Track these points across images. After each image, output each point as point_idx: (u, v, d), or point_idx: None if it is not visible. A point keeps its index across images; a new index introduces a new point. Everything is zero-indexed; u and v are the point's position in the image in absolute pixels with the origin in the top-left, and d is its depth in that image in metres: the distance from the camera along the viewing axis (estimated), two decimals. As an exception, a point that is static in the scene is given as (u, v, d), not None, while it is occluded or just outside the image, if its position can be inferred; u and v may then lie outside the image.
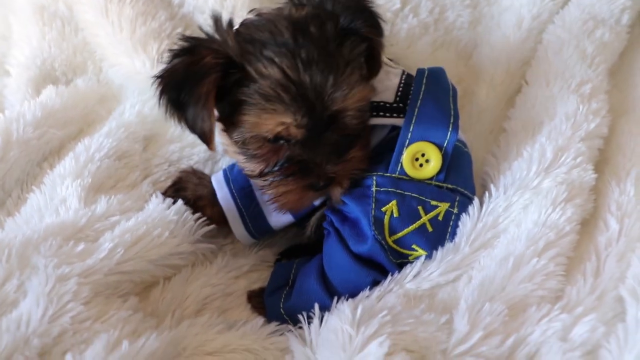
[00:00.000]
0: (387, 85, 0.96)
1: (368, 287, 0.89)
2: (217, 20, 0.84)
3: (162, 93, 0.85)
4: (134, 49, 1.12)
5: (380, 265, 0.91)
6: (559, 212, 0.90)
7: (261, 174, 0.89)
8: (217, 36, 0.84)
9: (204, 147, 1.08)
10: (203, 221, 0.97)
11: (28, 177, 1.05)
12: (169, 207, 0.93)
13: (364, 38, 0.88)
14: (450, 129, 0.93)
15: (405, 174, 0.92)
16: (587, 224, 0.95)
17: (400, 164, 0.92)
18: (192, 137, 1.12)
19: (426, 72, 0.97)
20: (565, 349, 0.75)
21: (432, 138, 0.92)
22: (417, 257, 0.91)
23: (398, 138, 0.93)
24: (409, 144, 0.92)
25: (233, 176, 0.99)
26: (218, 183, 0.98)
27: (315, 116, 0.83)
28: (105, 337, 0.75)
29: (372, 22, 0.90)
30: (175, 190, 1.01)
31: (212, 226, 0.98)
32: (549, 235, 0.88)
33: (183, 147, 1.13)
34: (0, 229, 0.96)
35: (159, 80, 0.85)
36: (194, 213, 0.98)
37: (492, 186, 0.98)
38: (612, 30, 1.20)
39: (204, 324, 0.85)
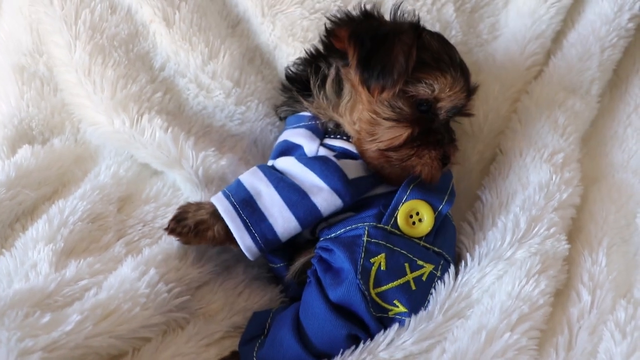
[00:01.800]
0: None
1: (343, 342, 0.90)
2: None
3: (357, 44, 0.98)
4: (114, 109, 1.13)
5: (358, 318, 0.92)
6: (532, 284, 0.92)
7: (405, 142, 0.98)
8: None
9: (178, 205, 1.11)
10: (177, 291, 0.96)
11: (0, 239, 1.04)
12: (140, 278, 0.92)
13: None
14: (446, 197, 1.02)
15: (398, 229, 0.97)
16: (560, 295, 0.97)
17: (394, 219, 0.97)
18: (166, 198, 1.15)
19: None
20: None
21: (428, 199, 1.00)
22: (398, 314, 0.92)
23: (395, 195, 0.99)
24: (406, 200, 0.98)
25: (232, 191, 1.00)
26: (218, 199, 0.99)
27: (467, 93, 1.04)
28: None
29: None
30: (177, 221, 1.00)
31: (186, 297, 0.97)
32: (523, 308, 0.89)
33: (158, 207, 1.13)
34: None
35: (353, 30, 1.00)
36: (194, 241, 1.00)
37: (467, 255, 0.99)
38: (583, 100, 1.25)
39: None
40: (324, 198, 0.97)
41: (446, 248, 1.00)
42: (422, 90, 0.99)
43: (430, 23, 1.30)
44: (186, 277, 0.99)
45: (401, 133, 0.99)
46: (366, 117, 1.00)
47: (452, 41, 1.30)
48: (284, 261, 1.05)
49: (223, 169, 1.15)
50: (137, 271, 0.93)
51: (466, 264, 0.98)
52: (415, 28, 1.01)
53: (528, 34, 1.30)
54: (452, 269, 0.97)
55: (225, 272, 1.06)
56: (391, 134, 0.99)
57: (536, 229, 0.99)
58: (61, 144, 1.22)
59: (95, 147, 1.24)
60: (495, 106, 1.28)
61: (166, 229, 1.00)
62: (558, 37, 1.33)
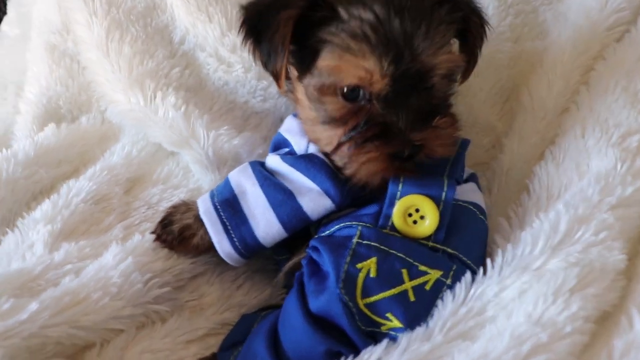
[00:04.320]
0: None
1: (321, 357, 0.74)
2: None
3: (243, 22, 0.83)
4: (130, 87, 1.06)
5: (341, 332, 0.75)
6: (560, 306, 0.68)
7: (339, 145, 0.80)
8: None
9: (188, 188, 1.02)
10: (156, 282, 0.86)
11: (15, 216, 1.01)
12: (116, 266, 0.83)
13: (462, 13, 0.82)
14: (446, 181, 0.80)
15: (397, 231, 0.78)
16: (608, 319, 0.73)
17: (390, 219, 0.79)
18: (176, 180, 1.06)
19: None
20: None
21: (426, 190, 0.79)
22: (392, 329, 0.74)
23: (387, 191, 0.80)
24: (400, 197, 0.79)
25: (218, 190, 0.90)
26: (202, 200, 0.90)
27: (402, 65, 0.74)
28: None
29: (470, 4, 0.86)
30: (163, 226, 0.93)
31: (167, 288, 0.88)
32: (540, 336, 0.66)
33: (165, 189, 1.05)
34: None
35: (244, 9, 0.83)
36: (179, 249, 0.91)
37: (489, 262, 0.78)
38: (677, 69, 0.94)
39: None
40: (311, 199, 0.83)
41: (464, 248, 0.79)
42: (330, 80, 0.77)
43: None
44: (175, 267, 0.90)
45: (332, 134, 0.80)
46: (304, 123, 0.85)
47: (509, 0, 1.06)
48: (287, 254, 0.92)
49: (236, 148, 1.04)
50: (116, 258, 0.85)
51: (485, 272, 0.77)
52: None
53: (613, -17, 1.01)
54: (467, 276, 0.77)
55: (226, 262, 0.94)
56: (325, 136, 0.82)
57: (579, 233, 0.74)
58: (88, 122, 1.18)
59: (119, 126, 1.19)
60: (564, 75, 1.01)
61: (152, 233, 0.92)
62: (654, -11, 1.02)
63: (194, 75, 1.11)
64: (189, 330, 0.87)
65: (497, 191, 1.00)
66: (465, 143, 0.86)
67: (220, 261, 0.94)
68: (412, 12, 0.75)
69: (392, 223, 0.79)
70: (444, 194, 0.79)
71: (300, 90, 0.84)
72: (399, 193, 0.79)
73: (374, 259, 0.76)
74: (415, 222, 0.78)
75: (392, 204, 0.79)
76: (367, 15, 0.74)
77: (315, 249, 0.81)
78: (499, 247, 0.80)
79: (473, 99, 1.08)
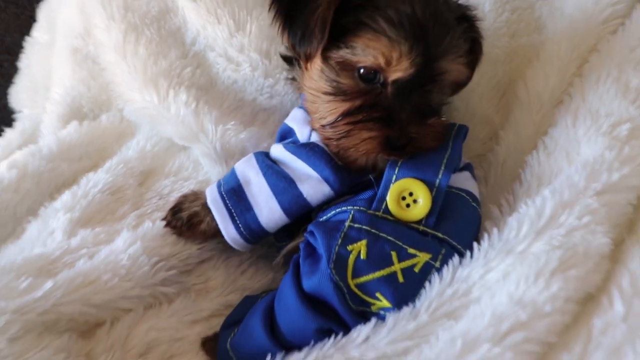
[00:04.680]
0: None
1: (313, 336, 0.77)
2: None
3: (274, 1, 0.85)
4: (145, 86, 1.11)
5: (333, 311, 0.78)
6: (540, 286, 0.70)
7: (342, 115, 0.82)
8: None
9: (198, 180, 1.07)
10: (162, 265, 0.91)
11: (39, 207, 1.07)
12: (125, 250, 0.88)
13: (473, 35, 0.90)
14: (442, 168, 0.82)
15: (390, 214, 0.81)
16: (591, 300, 0.73)
17: (384, 202, 0.81)
18: (187, 172, 1.10)
19: None
20: None
21: (420, 175, 0.82)
22: (381, 308, 0.77)
23: (383, 177, 0.83)
24: (395, 180, 0.82)
25: (225, 180, 0.94)
26: (210, 190, 0.94)
27: (426, 59, 0.79)
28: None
29: (478, 28, 0.92)
30: (173, 213, 0.97)
31: (173, 271, 0.92)
32: (520, 315, 0.68)
33: (176, 181, 1.09)
34: (-3, 256, 0.98)
35: None
36: (187, 235, 0.95)
37: (475, 246, 0.79)
38: (669, 60, 0.93)
39: (133, 371, 0.79)
40: (311, 186, 0.86)
41: (455, 234, 0.81)
42: (357, 58, 0.79)
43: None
44: (183, 252, 0.94)
45: (336, 107, 0.82)
46: (307, 91, 0.87)
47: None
48: (288, 241, 0.94)
49: (243, 142, 1.07)
50: (126, 243, 0.90)
51: (471, 256, 0.79)
52: None
53: (608, -20, 1.01)
54: (455, 259, 0.78)
55: (231, 248, 0.97)
56: (327, 108, 0.83)
57: (563, 217, 0.75)
58: (108, 120, 1.23)
59: (136, 124, 1.23)
60: (560, 69, 1.01)
61: (163, 219, 0.97)
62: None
63: (205, 75, 1.15)
64: (194, 311, 0.91)
65: (493, 181, 1.01)
66: (463, 130, 0.88)
67: (225, 247, 0.98)
68: (442, 20, 0.80)
69: (386, 206, 0.81)
70: (438, 180, 0.81)
71: (316, 60, 0.85)
72: (394, 177, 0.82)
73: (364, 242, 0.78)
74: (408, 205, 0.81)
75: (387, 187, 0.82)
76: (405, 8, 0.78)
77: (312, 233, 0.84)
78: (488, 232, 0.81)
79: (471, 94, 1.09)
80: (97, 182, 1.03)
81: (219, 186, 0.93)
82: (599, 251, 0.74)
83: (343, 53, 0.81)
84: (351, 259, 0.78)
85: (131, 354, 0.83)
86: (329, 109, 0.85)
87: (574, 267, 0.72)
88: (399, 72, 0.79)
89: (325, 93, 0.85)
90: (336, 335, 0.76)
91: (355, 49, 0.80)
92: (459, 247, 0.81)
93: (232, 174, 0.94)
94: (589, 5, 1.02)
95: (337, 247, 0.78)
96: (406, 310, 0.75)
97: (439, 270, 0.78)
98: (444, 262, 0.78)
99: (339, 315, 0.78)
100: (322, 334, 0.78)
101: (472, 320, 0.71)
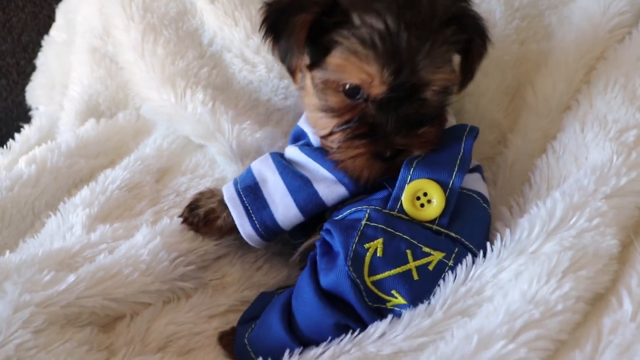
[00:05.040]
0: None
1: (330, 331, 0.79)
2: None
3: (264, 20, 0.87)
4: (162, 85, 1.12)
5: (350, 308, 0.79)
6: (552, 286, 0.71)
7: (332, 133, 0.85)
8: None
9: (214, 177, 1.08)
10: (182, 261, 0.92)
11: (57, 202, 1.08)
12: (145, 245, 0.89)
13: (466, 35, 0.86)
14: (456, 169, 0.83)
15: (405, 213, 0.82)
16: (600, 300, 0.75)
17: (400, 202, 0.82)
18: (203, 170, 1.12)
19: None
20: None
21: (435, 175, 0.83)
22: (396, 305, 0.78)
23: (399, 177, 0.84)
24: (410, 180, 0.83)
25: (241, 178, 0.95)
26: (226, 187, 0.96)
27: (401, 77, 0.78)
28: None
29: (476, 25, 0.88)
30: (190, 209, 0.99)
31: (192, 267, 0.93)
32: (533, 312, 0.69)
33: (193, 178, 1.10)
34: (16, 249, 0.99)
35: (266, 6, 0.87)
36: (204, 231, 0.96)
37: (489, 246, 0.81)
38: (674, 68, 0.95)
39: (153, 364, 0.80)
40: (327, 185, 0.88)
41: (467, 234, 0.82)
42: (334, 76, 0.81)
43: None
44: (200, 248, 0.95)
45: (327, 122, 0.85)
46: (305, 105, 0.90)
47: (515, 4, 1.09)
48: (303, 239, 0.96)
49: (258, 141, 1.09)
50: (146, 238, 0.91)
51: (484, 255, 0.80)
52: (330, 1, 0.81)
53: (614, -9, 1.03)
54: (468, 258, 0.80)
55: (247, 245, 0.98)
56: (321, 123, 0.86)
57: (574, 219, 0.77)
58: (124, 118, 1.25)
59: (152, 122, 1.25)
60: (567, 76, 1.02)
61: (180, 216, 0.98)
62: (656, -8, 1.04)
63: (221, 75, 1.17)
64: (211, 306, 0.92)
65: (502, 183, 1.02)
66: (475, 131, 0.88)
67: (242, 244, 0.99)
68: (421, 28, 0.78)
69: (401, 205, 0.82)
70: (451, 181, 0.82)
71: (308, 78, 0.88)
72: (409, 177, 0.83)
73: (380, 240, 0.80)
74: (422, 205, 0.82)
75: (402, 187, 0.83)
76: (378, 25, 0.77)
77: (328, 231, 0.85)
78: (500, 233, 0.83)
79: (480, 98, 1.10)
80: (115, 179, 1.04)
81: (235, 184, 0.95)
82: (608, 252, 0.76)
83: (324, 73, 0.83)
84: (368, 256, 0.79)
85: (150, 347, 0.84)
86: (323, 124, 0.87)
87: (584, 268, 0.73)
88: (374, 90, 0.80)
89: (318, 109, 0.87)
90: (353, 331, 0.78)
91: (330, 68, 0.81)
92: (471, 246, 0.82)
93: (249, 173, 0.95)
94: (596, 14, 1.03)
95: (354, 245, 0.80)
96: (421, 307, 0.77)
97: (452, 268, 0.79)
98: (457, 260, 0.79)
99: (355, 311, 0.79)
100: (339, 330, 0.79)
101: (486, 317, 0.72)
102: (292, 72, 0.87)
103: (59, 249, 0.92)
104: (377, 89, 0.79)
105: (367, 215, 0.82)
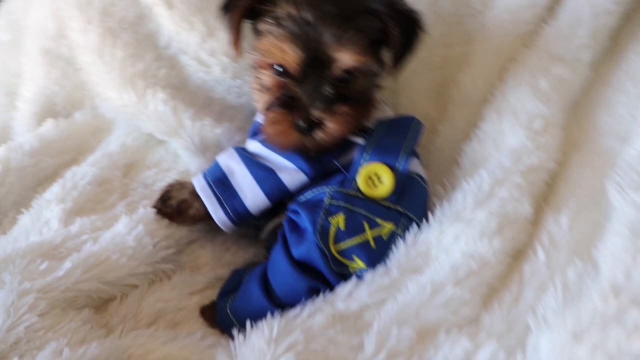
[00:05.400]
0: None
1: (304, 294, 0.93)
2: None
3: (220, 7, 1.03)
4: (122, 85, 1.20)
5: (319, 273, 0.94)
6: (485, 244, 0.90)
7: (267, 109, 0.98)
8: None
9: (178, 170, 1.19)
10: (163, 244, 1.02)
11: (23, 200, 1.13)
12: (129, 232, 0.99)
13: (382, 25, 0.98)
14: (403, 155, 1.00)
15: (360, 192, 0.97)
16: (520, 254, 0.95)
17: (354, 182, 0.98)
18: (167, 164, 1.22)
19: (388, 119, 1.06)
20: (466, 374, 0.76)
21: (385, 159, 0.99)
22: (357, 269, 0.94)
23: (354, 161, 1.00)
24: (364, 164, 0.99)
25: (209, 171, 1.06)
26: (196, 179, 1.06)
27: (311, 54, 0.93)
28: (54, 344, 0.81)
29: (395, 14, 0.99)
30: (162, 201, 1.08)
31: (172, 249, 1.04)
32: (471, 265, 0.88)
33: (158, 172, 1.20)
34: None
35: None
36: (177, 219, 1.06)
37: (430, 216, 0.99)
38: (571, 67, 1.18)
39: (150, 335, 0.89)
40: (289, 174, 1.01)
41: (412, 209, 0.99)
42: (262, 58, 0.98)
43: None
44: (175, 234, 1.05)
45: (263, 100, 1.00)
46: (252, 88, 1.06)
47: (440, 12, 1.28)
48: (267, 219, 1.09)
49: (218, 137, 1.20)
50: (128, 227, 1.00)
51: (427, 223, 0.98)
52: None
53: (522, 3, 1.25)
54: (413, 227, 0.97)
55: (215, 229, 1.09)
56: (262, 100, 1.02)
57: (498, 191, 0.96)
58: (82, 117, 1.31)
59: (110, 120, 1.32)
60: (485, 73, 1.23)
61: (153, 207, 1.07)
62: (552, 4, 1.27)
63: (178, 76, 1.27)
64: (190, 284, 1.03)
65: (435, 166, 1.20)
66: (420, 126, 1.05)
67: (210, 229, 1.11)
68: (332, 17, 0.92)
69: (357, 185, 0.97)
70: (399, 164, 0.99)
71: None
72: (363, 161, 0.99)
73: (342, 215, 0.95)
74: (375, 185, 0.98)
75: (357, 170, 0.98)
76: (295, 14, 0.93)
77: (294, 211, 0.99)
78: (438, 205, 1.01)
79: (413, 94, 1.29)
80: (85, 175, 1.12)
81: (204, 176, 1.06)
82: (525, 217, 0.96)
83: (257, 54, 0.99)
84: (332, 229, 0.94)
85: (142, 323, 0.94)
86: (262, 102, 1.01)
87: (508, 229, 0.93)
88: (291, 66, 0.95)
89: (256, 89, 1.03)
90: (323, 292, 0.93)
91: (259, 51, 0.97)
92: (415, 218, 0.99)
93: (216, 166, 1.06)
94: (507, 22, 1.25)
95: (321, 220, 0.94)
96: (380, 268, 0.93)
97: (401, 236, 0.96)
98: (405, 230, 0.96)
99: (324, 276, 0.94)
100: (311, 293, 0.93)
101: (435, 272, 0.90)
102: (233, 45, 1.03)
103: (40, 242, 0.99)
104: (292, 65, 0.94)
105: (329, 195, 0.97)
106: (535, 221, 0.99)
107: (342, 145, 1.02)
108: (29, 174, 1.15)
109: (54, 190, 1.10)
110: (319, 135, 0.96)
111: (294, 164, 1.02)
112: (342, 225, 0.94)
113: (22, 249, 0.96)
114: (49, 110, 1.31)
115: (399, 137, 1.03)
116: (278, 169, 1.02)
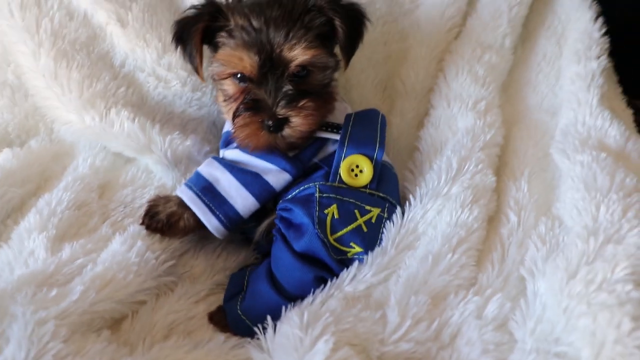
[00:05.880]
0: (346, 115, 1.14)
1: (311, 284, 0.99)
2: None
3: (174, 34, 1.10)
4: (83, 107, 1.19)
5: (322, 263, 1.01)
6: (467, 213, 1.03)
7: (234, 116, 1.04)
8: None
9: (154, 185, 1.21)
10: (163, 258, 1.04)
11: (-7, 234, 1.10)
12: (130, 250, 1.00)
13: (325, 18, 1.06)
14: (377, 145, 1.09)
15: (343, 183, 1.06)
16: (492, 220, 1.09)
17: (338, 175, 1.07)
18: (141, 180, 1.23)
19: (355, 113, 1.15)
20: (481, 325, 0.87)
21: (363, 151, 1.08)
22: (355, 254, 1.02)
23: (335, 155, 1.08)
24: (344, 157, 1.07)
25: (193, 182, 1.10)
26: (182, 191, 1.09)
27: (265, 57, 1.01)
28: (85, 369, 0.82)
29: (337, 8, 1.07)
30: (150, 217, 1.09)
31: (172, 261, 1.06)
32: (460, 233, 1.00)
33: (135, 189, 1.20)
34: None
35: (175, 24, 1.10)
36: (168, 233, 1.08)
37: (410, 197, 1.10)
38: (498, 54, 1.36)
39: (173, 346, 0.92)
40: (274, 175, 1.08)
41: (390, 193, 1.09)
42: (223, 69, 1.06)
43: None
44: (169, 246, 1.07)
45: (230, 109, 1.08)
46: (218, 101, 1.16)
47: (376, 13, 1.40)
48: (254, 223, 1.14)
49: (188, 148, 1.24)
50: (126, 244, 1.01)
51: (410, 204, 1.09)
52: (212, 10, 1.06)
53: (446, 0, 1.41)
54: (398, 209, 1.07)
55: (204, 239, 1.14)
56: (228, 109, 1.10)
57: (466, 167, 1.10)
58: (38, 144, 1.27)
59: (70, 144, 1.29)
60: (424, 66, 1.38)
61: (141, 224, 1.08)
62: (472, 0, 1.44)
63: (137, 93, 1.27)
64: (193, 293, 1.05)
65: (393, 154, 1.33)
66: (384, 119, 1.16)
67: (199, 239, 1.15)
68: (279, 21, 1.01)
69: (340, 177, 1.06)
70: (375, 154, 1.09)
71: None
72: (343, 154, 1.08)
73: (334, 205, 1.03)
74: (356, 175, 1.07)
75: (338, 163, 1.07)
76: (246, 24, 1.02)
77: (285, 209, 1.06)
78: (416, 186, 1.13)
79: (363, 90, 1.41)
80: (61, 200, 1.10)
81: (189, 187, 1.09)
82: (491, 186, 1.11)
83: (217, 67, 1.07)
84: (328, 219, 1.02)
85: (158, 336, 0.96)
86: (229, 111, 1.09)
87: (482, 198, 1.07)
88: (249, 71, 1.03)
89: (222, 100, 1.11)
90: (330, 280, 1.00)
91: (220, 62, 1.05)
92: (393, 201, 1.10)
93: (199, 177, 1.10)
94: (436, 19, 1.40)
95: (317, 213, 1.02)
96: (377, 250, 1.03)
97: (387, 219, 1.06)
98: (390, 213, 1.07)
99: (326, 265, 1.01)
100: (318, 282, 1.00)
101: (429, 244, 1.01)
102: (196, 70, 1.10)
103: (31, 273, 0.96)
104: (250, 70, 1.02)
105: (318, 189, 1.05)
106: (498, 190, 1.14)
107: (317, 143, 1.11)
108: (-3, 206, 1.11)
109: (31, 219, 1.07)
110: (287, 132, 1.03)
111: (277, 165, 1.08)
112: (336, 215, 1.03)
113: (15, 281, 0.94)
114: (2, 140, 1.26)
115: (370, 129, 1.13)
116: (263, 172, 1.08)
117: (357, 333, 0.87)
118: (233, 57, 1.03)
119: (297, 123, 1.03)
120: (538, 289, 0.89)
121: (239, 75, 1.05)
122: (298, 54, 1.02)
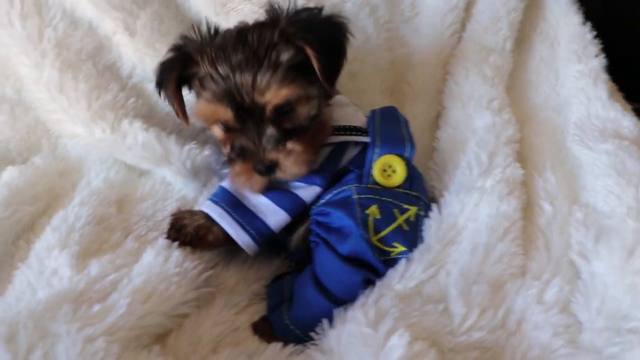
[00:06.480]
0: (358, 116, 1.15)
1: (360, 286, 0.97)
2: (201, 27, 1.03)
3: (156, 76, 1.05)
4: (92, 119, 1.14)
5: (367, 264, 0.99)
6: (505, 205, 1.04)
7: (229, 161, 1.02)
8: (198, 38, 1.02)
9: (174, 198, 1.16)
10: (201, 268, 1.00)
11: (6, 257, 1.02)
12: (167, 261, 0.95)
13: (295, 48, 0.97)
14: (407, 144, 1.09)
15: (376, 183, 1.05)
16: (526, 212, 1.10)
17: (371, 176, 1.06)
18: (161, 192, 1.18)
19: (378, 110, 1.15)
20: (544, 309, 0.88)
21: (395, 150, 1.08)
22: (398, 253, 1.00)
23: (366, 157, 1.07)
24: (378, 158, 1.07)
25: (219, 197, 1.06)
26: (208, 207, 1.05)
27: (239, 106, 0.95)
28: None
29: (307, 35, 0.97)
30: (176, 230, 1.05)
31: (210, 271, 1.02)
32: (504, 223, 1.01)
33: (155, 202, 1.16)
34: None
35: (158, 66, 1.05)
36: (197, 246, 1.04)
37: (445, 193, 1.11)
38: (501, 56, 1.41)
39: (228, 358, 0.88)
40: (304, 189, 1.06)
41: (421, 191, 1.10)
42: (203, 119, 1.02)
43: (359, 5, 1.42)
44: (203, 257, 1.03)
45: (224, 150, 1.05)
46: None
47: (380, 21, 1.43)
48: (285, 232, 1.11)
49: (207, 158, 1.20)
50: (161, 256, 0.96)
51: (445, 200, 1.09)
52: (182, 56, 1.01)
53: (445, 8, 1.46)
54: (434, 206, 1.08)
55: (231, 252, 1.10)
56: (224, 151, 1.07)
57: (496, 161, 1.12)
58: (42, 161, 1.21)
59: (77, 159, 1.23)
60: (430, 71, 1.42)
61: (167, 238, 1.04)
62: (468, 7, 1.49)
63: (146, 104, 1.23)
64: (233, 304, 1.01)
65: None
66: (403, 115, 1.17)
67: (227, 252, 1.11)
68: (244, 65, 0.94)
69: (374, 178, 1.05)
70: (407, 152, 1.09)
71: None
72: (375, 155, 1.07)
73: (375, 206, 1.02)
74: (389, 175, 1.07)
75: (371, 165, 1.07)
76: (214, 73, 0.96)
77: (321, 213, 1.04)
78: (446, 183, 1.14)
79: (370, 96, 1.42)
80: (79, 216, 1.03)
81: (216, 203, 1.05)
82: (520, 179, 1.12)
83: (196, 119, 1.03)
84: (370, 220, 1.01)
85: (206, 350, 0.91)
86: (225, 152, 1.06)
87: (515, 190, 1.08)
88: (226, 121, 0.99)
89: (217, 142, 1.08)
90: (374, 282, 0.98)
91: (199, 115, 1.00)
92: (425, 200, 1.10)
93: (225, 192, 1.07)
94: (437, 25, 1.44)
95: (359, 214, 1.01)
96: (421, 247, 1.02)
97: (425, 216, 1.06)
98: (426, 210, 1.07)
99: (372, 266, 1.00)
100: (366, 284, 0.98)
101: (473, 236, 1.01)
102: (178, 116, 1.07)
103: (59, 292, 0.90)
104: (227, 120, 0.98)
105: (355, 191, 1.04)
106: (523, 183, 1.16)
107: (338, 150, 1.10)
108: (6, 227, 1.02)
109: (49, 237, 1.00)
110: (279, 175, 1.00)
111: (305, 182, 1.06)
112: (378, 215, 1.02)
113: (43, 302, 0.87)
114: (3, 158, 1.18)
115: (396, 127, 1.13)
116: (294, 187, 1.06)
117: (424, 327, 0.86)
118: (208, 110, 0.98)
119: (288, 166, 0.99)
120: (595, 269, 0.90)
121: (220, 125, 1.01)
122: (270, 97, 0.95)
